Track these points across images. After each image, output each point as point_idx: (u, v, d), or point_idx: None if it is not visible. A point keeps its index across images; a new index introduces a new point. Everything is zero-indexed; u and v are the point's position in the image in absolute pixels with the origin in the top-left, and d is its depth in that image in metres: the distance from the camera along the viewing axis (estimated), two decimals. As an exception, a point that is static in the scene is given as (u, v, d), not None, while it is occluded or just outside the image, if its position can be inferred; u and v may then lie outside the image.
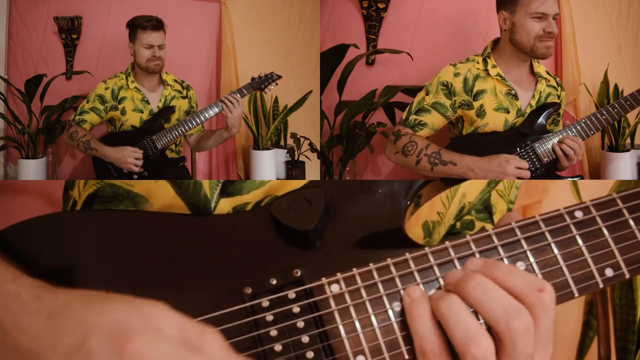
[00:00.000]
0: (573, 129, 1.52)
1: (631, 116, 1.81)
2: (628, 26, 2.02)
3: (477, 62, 1.57)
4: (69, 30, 2.21)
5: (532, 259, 0.65)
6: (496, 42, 1.61)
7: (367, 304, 0.64)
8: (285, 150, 2.16)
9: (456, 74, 1.55)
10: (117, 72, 1.93)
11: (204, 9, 2.23)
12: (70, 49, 2.23)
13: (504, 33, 1.58)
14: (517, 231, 0.67)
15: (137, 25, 1.83)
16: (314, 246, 0.69)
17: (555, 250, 0.66)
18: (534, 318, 0.56)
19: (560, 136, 1.51)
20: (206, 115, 1.83)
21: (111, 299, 0.51)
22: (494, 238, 0.66)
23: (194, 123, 1.83)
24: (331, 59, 1.89)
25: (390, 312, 0.63)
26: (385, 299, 0.64)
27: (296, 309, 0.64)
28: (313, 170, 2.11)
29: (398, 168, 1.91)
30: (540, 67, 1.62)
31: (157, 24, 1.84)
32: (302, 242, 0.69)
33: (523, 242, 0.66)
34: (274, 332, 0.63)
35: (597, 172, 2.01)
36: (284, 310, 0.64)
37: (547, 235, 0.66)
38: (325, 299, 0.65)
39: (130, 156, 1.78)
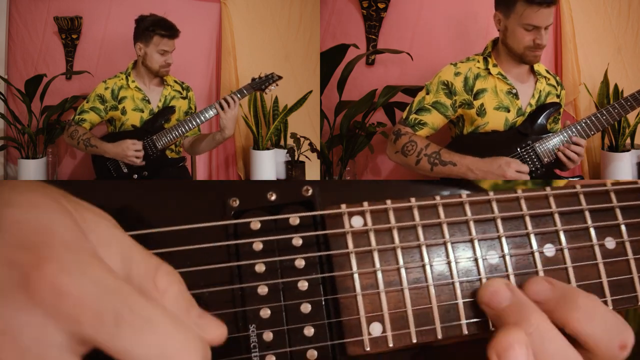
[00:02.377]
0: (573, 129, 1.52)
1: (631, 116, 1.81)
2: (628, 26, 2.02)
3: (478, 61, 1.57)
4: (69, 30, 2.21)
5: (625, 236, 0.49)
6: (496, 42, 1.61)
7: (399, 253, 0.46)
8: (285, 150, 2.16)
9: (457, 74, 1.55)
10: (117, 72, 1.92)
11: (204, 9, 2.23)
12: (70, 49, 2.23)
13: (499, 33, 1.58)
14: (613, 196, 0.50)
15: (155, 32, 1.82)
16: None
17: None
18: None
19: (561, 136, 1.51)
20: (207, 115, 1.83)
21: (36, 189, 0.35)
22: (582, 199, 0.50)
23: (194, 123, 1.83)
24: (331, 59, 1.89)
25: (428, 270, 0.46)
26: (424, 250, 0.46)
27: (297, 241, 0.47)
28: (313, 170, 2.11)
29: (398, 168, 1.91)
30: (540, 66, 1.62)
31: (175, 32, 1.84)
32: None
33: (618, 212, 0.50)
34: (260, 268, 0.46)
35: (597, 172, 2.01)
36: (280, 239, 0.47)
37: None
38: (341, 235, 0.46)
39: (130, 149, 1.78)
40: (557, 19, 1.98)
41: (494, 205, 0.49)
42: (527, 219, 0.49)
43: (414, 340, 0.45)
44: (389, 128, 1.92)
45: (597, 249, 0.50)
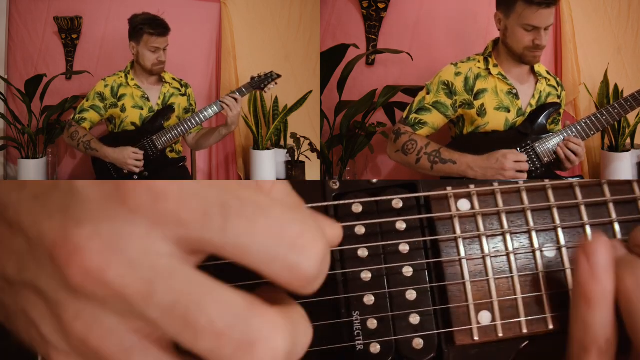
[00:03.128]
0: (573, 129, 1.52)
1: (631, 116, 1.81)
2: (628, 26, 2.02)
3: (479, 62, 1.57)
4: (69, 30, 2.21)
5: None
6: (497, 42, 1.61)
7: (508, 239, 0.44)
8: (285, 150, 2.16)
9: (457, 74, 1.55)
10: (117, 71, 1.93)
11: (204, 9, 2.23)
12: (70, 49, 2.23)
13: (499, 33, 1.58)
14: None
15: (144, 31, 1.81)
16: None
17: None
18: None
19: (561, 136, 1.51)
20: (206, 114, 1.83)
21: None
22: None
23: (194, 122, 1.83)
24: (331, 59, 1.89)
25: (538, 257, 0.44)
26: (535, 235, 0.44)
27: (401, 225, 0.45)
28: (313, 170, 2.11)
29: (398, 168, 1.91)
30: (541, 67, 1.62)
31: (165, 30, 1.83)
32: None
33: None
34: (363, 252, 0.44)
35: (597, 172, 2.01)
36: (382, 222, 0.45)
37: None
38: (447, 219, 0.44)
39: (131, 157, 1.78)
40: (557, 19, 1.98)
41: (606, 189, 0.45)
42: None
43: (524, 330, 0.43)
44: (389, 128, 1.92)
45: None
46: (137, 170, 1.80)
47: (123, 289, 0.28)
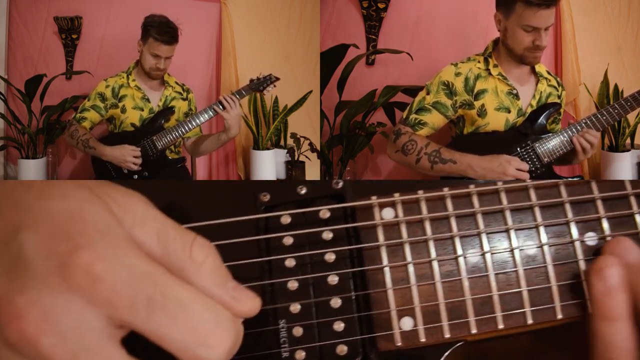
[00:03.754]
0: (573, 129, 1.52)
1: (631, 116, 1.81)
2: (628, 26, 2.02)
3: (479, 62, 1.57)
4: (69, 30, 2.21)
5: None
6: (497, 42, 1.61)
7: (430, 245, 0.45)
8: (285, 150, 2.16)
9: (457, 74, 1.55)
10: (118, 72, 1.93)
11: (204, 9, 2.23)
12: (70, 49, 2.23)
13: (499, 33, 1.58)
14: None
15: (150, 34, 1.81)
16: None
17: None
18: None
19: (561, 137, 1.51)
20: (205, 116, 1.83)
21: (68, 181, 0.37)
22: (627, 185, 0.47)
23: (195, 123, 1.83)
24: (331, 59, 1.89)
25: (461, 262, 0.45)
26: (457, 241, 0.45)
27: (328, 235, 0.46)
28: (313, 170, 2.11)
29: (398, 168, 1.91)
30: (541, 67, 1.62)
31: (170, 39, 1.81)
32: None
33: None
34: (290, 262, 0.46)
35: (597, 172, 2.01)
36: (310, 232, 0.46)
37: None
38: (372, 227, 0.46)
39: (129, 155, 1.78)
40: (557, 19, 1.98)
41: (532, 193, 0.46)
42: (567, 206, 0.46)
43: (447, 335, 0.44)
44: (389, 128, 1.92)
45: None
46: (135, 167, 1.79)
47: (51, 357, 0.33)
